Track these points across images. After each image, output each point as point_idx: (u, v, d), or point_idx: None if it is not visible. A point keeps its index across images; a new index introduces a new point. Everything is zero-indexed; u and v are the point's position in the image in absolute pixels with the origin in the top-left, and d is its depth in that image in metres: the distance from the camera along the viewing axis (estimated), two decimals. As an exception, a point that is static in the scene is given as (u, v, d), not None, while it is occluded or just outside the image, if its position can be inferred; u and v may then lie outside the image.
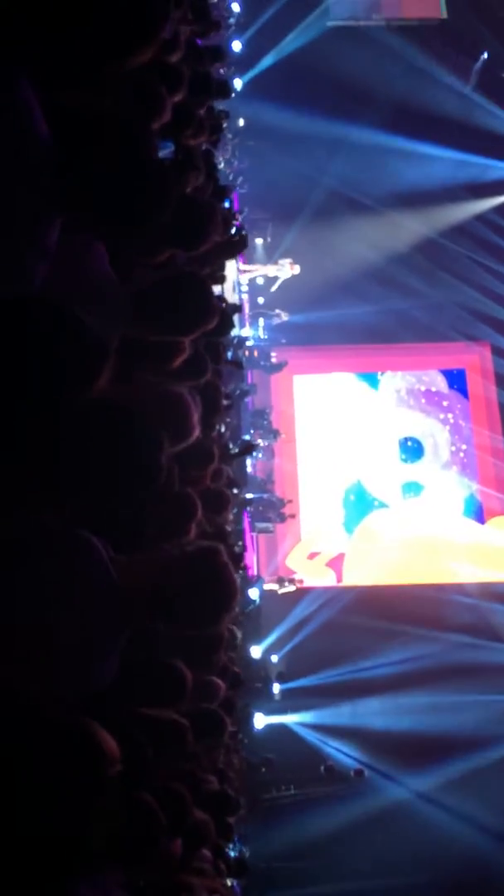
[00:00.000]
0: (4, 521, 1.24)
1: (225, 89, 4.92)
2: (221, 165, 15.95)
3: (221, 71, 13.47)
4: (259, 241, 21.01)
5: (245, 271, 19.24)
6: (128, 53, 1.37)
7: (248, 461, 17.74)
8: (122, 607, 1.41)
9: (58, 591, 1.33)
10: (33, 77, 1.28)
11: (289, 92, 18.49)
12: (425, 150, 19.91)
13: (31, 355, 1.13)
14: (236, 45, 17.12)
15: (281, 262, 19.69)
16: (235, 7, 17.35)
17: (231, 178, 17.35)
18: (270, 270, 19.82)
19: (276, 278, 19.98)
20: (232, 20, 16.96)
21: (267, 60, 19.17)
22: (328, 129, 19.18)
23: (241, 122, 18.34)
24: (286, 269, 19.64)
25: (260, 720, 15.05)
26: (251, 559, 17.54)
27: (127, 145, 1.66)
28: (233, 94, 12.70)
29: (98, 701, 1.82)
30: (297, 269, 19.64)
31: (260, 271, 19.86)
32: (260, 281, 21.20)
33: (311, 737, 16.54)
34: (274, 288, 20.20)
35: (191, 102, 2.93)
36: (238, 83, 17.43)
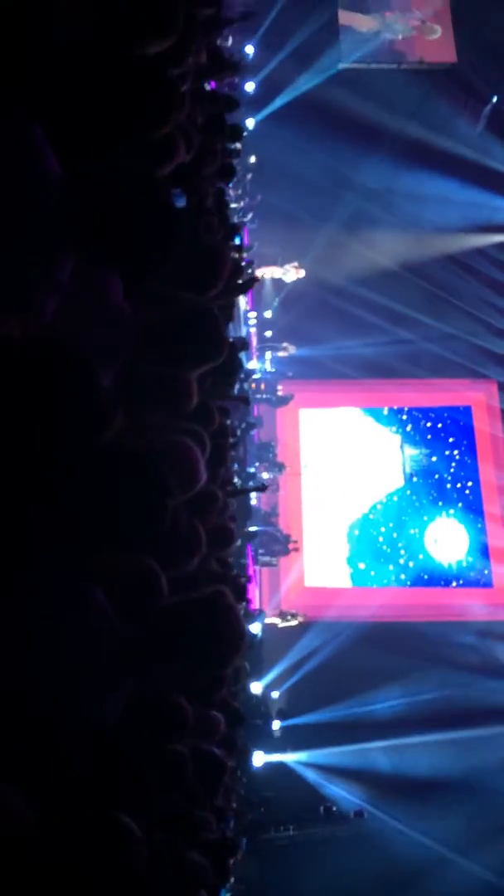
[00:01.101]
0: (6, 566, 1.26)
1: (237, 133, 5.03)
2: (232, 202, 16.23)
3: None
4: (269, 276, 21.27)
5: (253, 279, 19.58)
6: (146, 129, 1.42)
7: (253, 494, 17.74)
8: (125, 652, 1.41)
9: (58, 638, 1.34)
10: (49, 129, 1.33)
11: (300, 130, 18.82)
12: (435, 188, 20.18)
13: (40, 404, 1.15)
14: (249, 86, 17.52)
15: (287, 266, 20.05)
16: (250, 49, 17.80)
17: (241, 214, 17.60)
18: (276, 272, 20.13)
19: (280, 290, 20.36)
20: (245, 62, 17.36)
21: (279, 100, 19.56)
22: (339, 167, 19.50)
23: (253, 159, 18.65)
24: (291, 273, 19.98)
25: (259, 758, 14.83)
26: (254, 593, 17.44)
27: (140, 190, 1.71)
28: (245, 134, 12.95)
29: (101, 739, 1.81)
30: (302, 273, 20.01)
31: (267, 273, 20.13)
32: (268, 315, 21.42)
33: (311, 776, 16.28)
34: (274, 305, 20.49)
35: (204, 146, 3.01)
36: (251, 122, 17.81)
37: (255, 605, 17.48)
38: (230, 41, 14.71)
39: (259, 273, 19.66)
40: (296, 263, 20.10)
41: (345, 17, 20.71)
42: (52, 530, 1.26)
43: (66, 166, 1.36)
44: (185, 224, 2.16)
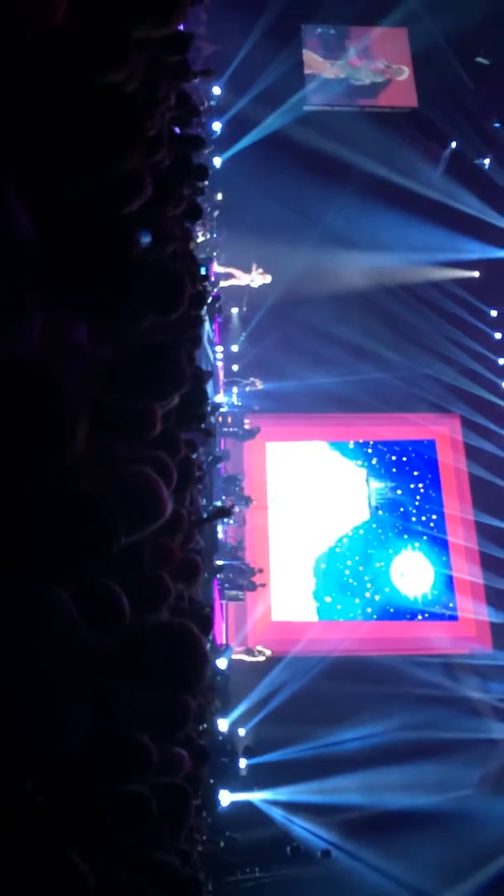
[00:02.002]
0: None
1: (203, 172, 5.12)
2: (199, 238, 16.43)
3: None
4: (234, 310, 21.51)
5: (225, 275, 19.78)
6: (113, 163, 1.46)
7: (220, 527, 17.67)
8: (91, 665, 1.40)
9: (23, 646, 1.33)
10: (19, 174, 1.36)
11: (266, 169, 19.19)
12: (398, 228, 20.64)
13: (5, 415, 1.16)
14: (216, 126, 17.87)
15: (252, 272, 20.33)
16: (216, 90, 18.19)
17: (208, 249, 17.81)
18: (244, 279, 20.35)
19: (247, 325, 20.63)
20: (213, 102, 17.74)
21: (245, 140, 19.94)
22: (303, 206, 19.89)
23: (220, 197, 18.95)
24: (258, 278, 20.25)
25: (225, 797, 14.57)
26: (220, 628, 17.28)
27: (108, 247, 1.74)
28: (211, 172, 13.17)
29: (61, 773, 1.78)
30: (268, 279, 20.27)
31: (234, 280, 20.33)
32: (235, 348, 21.60)
33: (278, 815, 16.03)
34: (241, 339, 20.73)
35: (171, 186, 3.07)
36: (217, 161, 18.13)
37: (222, 640, 17.31)
38: (197, 81, 15.00)
39: (230, 281, 19.91)
40: (261, 269, 20.39)
41: (309, 64, 21.30)
42: (12, 546, 1.27)
43: (35, 204, 1.38)
44: (150, 272, 2.21)
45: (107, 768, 2.22)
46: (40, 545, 1.35)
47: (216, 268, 19.22)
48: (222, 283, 19.71)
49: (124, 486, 1.45)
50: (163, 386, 2.09)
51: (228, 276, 20.16)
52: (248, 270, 20.50)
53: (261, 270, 20.36)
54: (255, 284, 20.50)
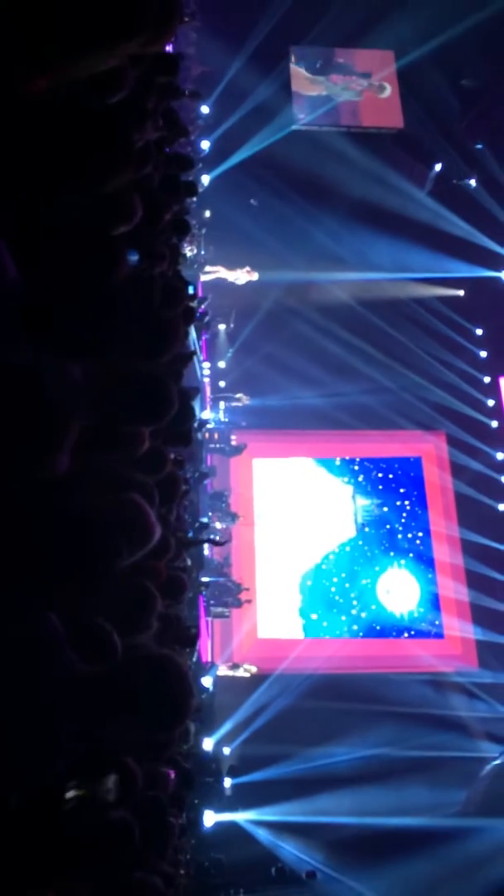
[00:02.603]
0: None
1: (192, 189, 5.15)
2: (188, 254, 16.49)
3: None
4: (222, 326, 21.57)
5: (209, 272, 19.81)
6: (102, 182, 1.46)
7: (205, 544, 17.61)
8: (78, 692, 1.38)
9: (9, 670, 1.31)
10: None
11: (253, 188, 19.35)
12: (384, 246, 20.82)
13: None
14: (205, 144, 18.01)
15: (238, 270, 20.42)
16: (205, 109, 18.34)
17: (196, 267, 17.88)
18: (230, 275, 20.41)
19: (234, 341, 20.74)
20: (201, 121, 17.88)
21: (233, 159, 20.10)
22: (289, 223, 20.04)
23: (207, 214, 19.06)
24: (243, 276, 20.35)
25: (210, 818, 14.41)
26: (205, 645, 17.18)
27: (94, 253, 1.75)
28: (200, 190, 13.25)
29: (45, 795, 1.75)
30: (255, 276, 20.35)
31: (221, 274, 20.38)
32: (222, 365, 21.63)
33: (263, 836, 15.86)
34: (228, 356, 20.85)
35: (159, 206, 3.08)
36: (206, 178, 18.25)
37: (207, 657, 17.20)
38: (185, 100, 15.13)
39: (215, 274, 19.95)
40: (248, 268, 20.48)
41: (297, 84, 21.55)
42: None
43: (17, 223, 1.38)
44: (139, 299, 2.21)
45: (91, 792, 2.18)
46: (36, 563, 1.33)
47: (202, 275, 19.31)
48: (206, 277, 19.73)
49: (112, 511, 1.44)
50: (149, 414, 2.09)
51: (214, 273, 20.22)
52: (233, 269, 20.62)
53: (247, 269, 20.46)
54: (240, 282, 20.59)
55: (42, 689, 1.28)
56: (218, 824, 14.71)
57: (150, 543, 1.53)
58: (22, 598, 1.33)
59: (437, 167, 21.49)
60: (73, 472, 1.40)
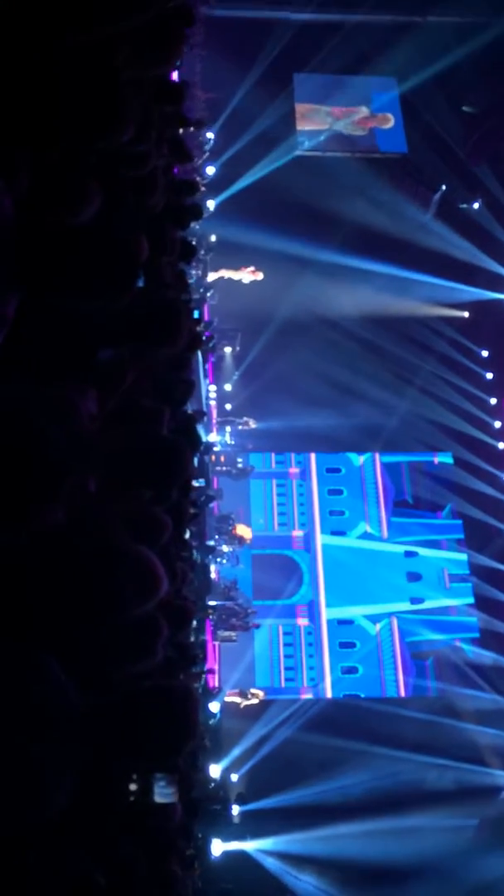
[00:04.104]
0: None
1: (197, 213, 5.18)
2: (193, 279, 16.59)
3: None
4: (228, 349, 21.62)
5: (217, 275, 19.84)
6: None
7: (213, 567, 17.53)
8: (80, 731, 1.36)
9: (8, 712, 1.28)
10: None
11: (258, 213, 19.50)
12: (388, 270, 20.93)
13: None
14: (210, 170, 18.19)
15: (244, 268, 20.48)
16: (210, 135, 18.55)
17: (202, 291, 17.97)
18: (235, 275, 20.47)
19: (240, 364, 20.80)
20: (207, 147, 18.09)
21: (239, 184, 20.30)
22: (295, 248, 20.16)
23: (213, 238, 19.20)
24: (248, 276, 20.41)
25: (217, 847, 14.15)
26: (212, 669, 17.02)
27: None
28: (205, 215, 13.36)
29: (49, 830, 1.72)
30: (259, 276, 20.38)
31: (225, 274, 20.41)
32: (228, 388, 21.67)
33: (273, 865, 15.58)
34: (234, 379, 20.88)
35: (165, 233, 3.09)
36: (211, 204, 18.41)
37: (214, 682, 17.04)
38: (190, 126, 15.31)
39: (215, 276, 19.99)
40: (252, 267, 20.55)
41: (301, 111, 21.84)
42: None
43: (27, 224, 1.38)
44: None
45: (96, 824, 2.15)
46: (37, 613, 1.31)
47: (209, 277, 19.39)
48: (213, 277, 19.77)
49: (119, 565, 1.42)
50: (162, 481, 2.12)
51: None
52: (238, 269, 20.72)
53: (251, 269, 20.54)
54: (245, 280, 20.68)
55: (41, 735, 1.26)
56: (226, 853, 14.47)
57: (157, 598, 1.51)
58: (21, 643, 1.31)
59: (441, 190, 21.65)
60: (78, 518, 1.38)
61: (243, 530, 18.95)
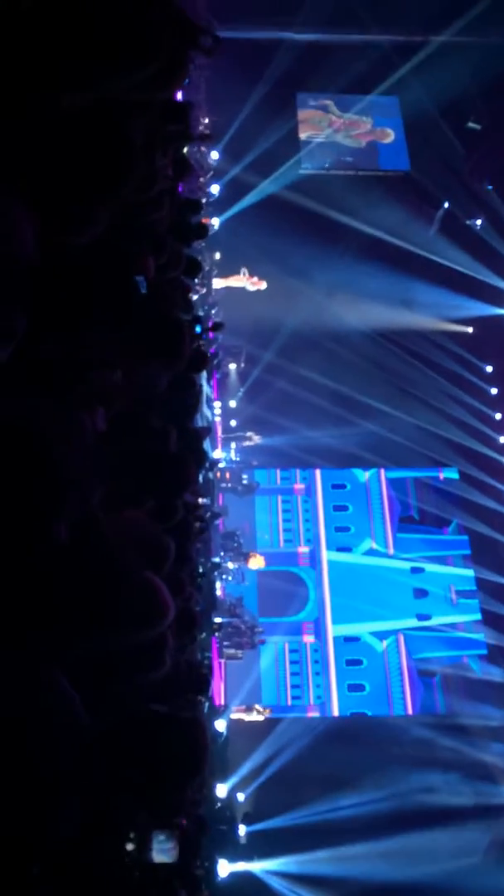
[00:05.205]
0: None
1: (203, 231, 5.22)
2: (197, 296, 16.66)
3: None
4: (233, 366, 21.68)
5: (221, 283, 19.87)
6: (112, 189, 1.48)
7: (218, 585, 17.47)
8: (88, 751, 1.35)
9: (19, 731, 1.28)
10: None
11: (262, 229, 19.62)
12: (392, 285, 21.01)
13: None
14: (214, 189, 18.36)
15: (248, 277, 20.54)
16: (215, 155, 18.73)
17: (206, 308, 18.04)
18: (238, 281, 20.52)
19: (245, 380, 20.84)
20: (211, 166, 18.26)
21: (243, 202, 20.46)
22: (299, 265, 20.28)
23: (217, 256, 19.31)
24: (251, 285, 20.49)
25: (224, 868, 13.98)
26: (218, 687, 16.92)
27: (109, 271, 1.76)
28: (210, 233, 13.45)
29: (58, 851, 1.71)
30: (263, 285, 20.42)
31: (230, 282, 20.43)
32: (233, 404, 21.70)
33: (280, 887, 15.38)
34: (239, 395, 20.91)
35: (170, 247, 3.11)
36: (216, 222, 18.55)
37: (220, 700, 16.93)
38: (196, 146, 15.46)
39: (220, 283, 20.04)
40: (255, 278, 20.65)
41: (304, 129, 22.03)
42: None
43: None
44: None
45: (104, 847, 2.13)
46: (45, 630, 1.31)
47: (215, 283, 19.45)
48: (219, 286, 19.82)
49: (128, 590, 1.43)
50: (167, 491, 2.13)
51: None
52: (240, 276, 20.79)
53: (255, 279, 20.64)
54: (250, 288, 20.76)
55: (51, 756, 1.25)
56: (233, 874, 14.29)
57: (165, 624, 1.51)
58: (31, 659, 1.31)
59: (444, 207, 21.77)
60: (84, 544, 1.39)
61: (257, 561, 18.89)
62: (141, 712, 1.63)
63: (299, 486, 22.73)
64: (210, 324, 17.75)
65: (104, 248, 1.72)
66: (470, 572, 21.58)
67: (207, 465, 16.25)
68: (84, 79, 1.44)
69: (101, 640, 1.39)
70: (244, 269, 20.47)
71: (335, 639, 20.87)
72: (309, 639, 20.91)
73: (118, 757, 1.40)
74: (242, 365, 21.66)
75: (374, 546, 22.09)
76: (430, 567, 21.80)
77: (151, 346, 2.33)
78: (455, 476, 22.53)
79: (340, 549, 21.96)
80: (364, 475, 22.72)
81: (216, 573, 16.96)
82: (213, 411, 19.53)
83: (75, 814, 1.41)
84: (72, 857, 1.79)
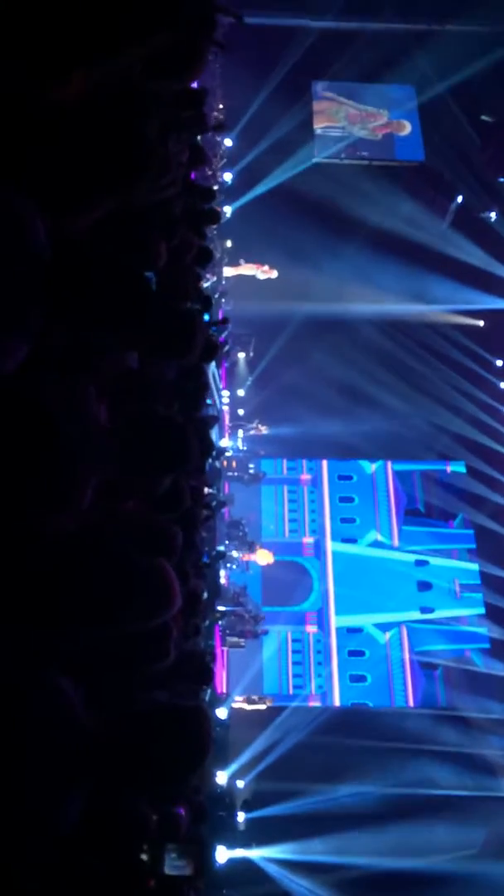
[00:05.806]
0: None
1: (214, 217, 5.19)
2: (208, 283, 16.62)
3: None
4: (241, 355, 21.64)
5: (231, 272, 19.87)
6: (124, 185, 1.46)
7: (222, 573, 17.52)
8: (89, 753, 1.35)
9: (20, 735, 1.28)
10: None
11: (274, 217, 19.53)
12: (404, 277, 20.89)
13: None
14: (227, 176, 18.27)
15: (259, 266, 20.53)
16: (228, 142, 18.62)
17: (217, 296, 17.99)
18: (250, 269, 20.51)
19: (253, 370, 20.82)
20: (225, 153, 18.16)
21: (256, 190, 20.35)
22: (311, 254, 20.18)
23: (229, 244, 19.25)
24: (262, 274, 20.46)
25: (222, 854, 14.06)
26: (220, 675, 16.99)
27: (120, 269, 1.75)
28: (222, 220, 13.39)
29: (58, 843, 1.71)
30: (274, 274, 20.40)
31: (241, 270, 20.41)
32: (241, 393, 21.68)
33: (278, 874, 15.49)
34: (247, 384, 20.88)
35: (182, 236, 3.10)
36: (228, 209, 18.47)
37: (222, 688, 17.00)
38: (210, 133, 15.36)
39: (230, 272, 20.00)
40: (266, 266, 20.62)
41: (318, 118, 21.85)
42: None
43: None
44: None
45: (104, 839, 2.14)
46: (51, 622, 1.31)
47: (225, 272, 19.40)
48: (229, 274, 19.77)
49: (138, 579, 1.42)
50: (168, 463, 2.11)
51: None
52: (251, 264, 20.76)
53: (266, 267, 20.61)
54: (260, 276, 20.74)
55: (50, 750, 1.25)
56: (231, 860, 14.38)
57: (172, 612, 1.51)
58: (29, 661, 1.31)
59: (458, 199, 21.58)
60: (94, 525, 1.38)
61: (265, 556, 18.91)
62: (144, 701, 1.63)
63: (306, 476, 22.73)
64: (220, 316, 17.75)
65: (115, 241, 1.71)
66: (474, 566, 21.57)
67: (214, 453, 16.25)
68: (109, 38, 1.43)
69: (110, 626, 1.39)
70: (241, 261, 20.40)
71: (338, 629, 20.92)
72: (312, 629, 20.97)
73: (121, 746, 1.40)
74: (251, 354, 21.62)
75: (380, 538, 22.10)
76: (435, 560, 21.80)
77: (163, 339, 2.32)
78: (462, 470, 22.48)
79: (345, 541, 21.97)
80: (371, 467, 22.71)
81: (221, 561, 16.99)
82: (221, 400, 19.52)
83: (76, 812, 1.42)
84: (76, 856, 1.80)
